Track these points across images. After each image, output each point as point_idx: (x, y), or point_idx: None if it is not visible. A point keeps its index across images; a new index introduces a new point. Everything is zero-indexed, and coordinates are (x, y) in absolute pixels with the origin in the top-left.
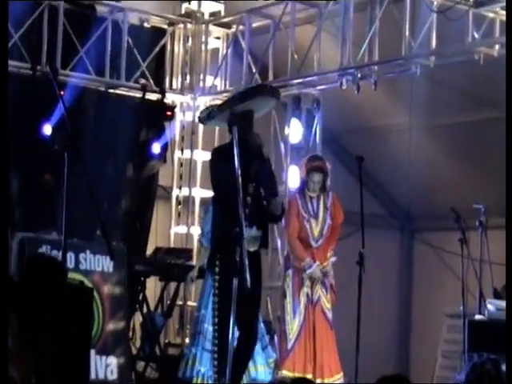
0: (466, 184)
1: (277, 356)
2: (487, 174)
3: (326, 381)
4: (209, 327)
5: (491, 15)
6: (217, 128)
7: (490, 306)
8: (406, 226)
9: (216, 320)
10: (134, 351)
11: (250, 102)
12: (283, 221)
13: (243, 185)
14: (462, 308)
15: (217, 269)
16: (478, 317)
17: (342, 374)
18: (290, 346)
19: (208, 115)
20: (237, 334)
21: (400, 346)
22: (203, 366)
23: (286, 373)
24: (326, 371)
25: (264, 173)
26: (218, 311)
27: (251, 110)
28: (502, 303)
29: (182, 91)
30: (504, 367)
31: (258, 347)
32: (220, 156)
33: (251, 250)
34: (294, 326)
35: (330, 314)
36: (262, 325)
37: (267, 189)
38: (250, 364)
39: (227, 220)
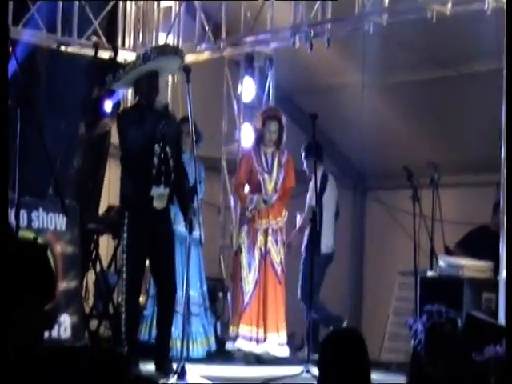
0: (419, 142)
1: (229, 314)
2: (440, 132)
3: (269, 335)
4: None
5: None
6: (169, 84)
7: (441, 263)
8: (359, 185)
9: (124, 279)
10: (88, 309)
11: (153, 63)
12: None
13: (150, 145)
14: (413, 265)
15: (125, 226)
16: (429, 273)
17: (285, 331)
18: (246, 300)
19: (113, 77)
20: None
21: (352, 304)
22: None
23: (243, 327)
24: (271, 326)
25: (171, 132)
26: (127, 270)
27: (155, 70)
28: (454, 259)
29: (134, 49)
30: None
31: (200, 310)
32: (127, 118)
33: (159, 207)
34: (249, 280)
35: (279, 268)
36: (204, 288)
37: (174, 147)
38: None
39: (137, 179)
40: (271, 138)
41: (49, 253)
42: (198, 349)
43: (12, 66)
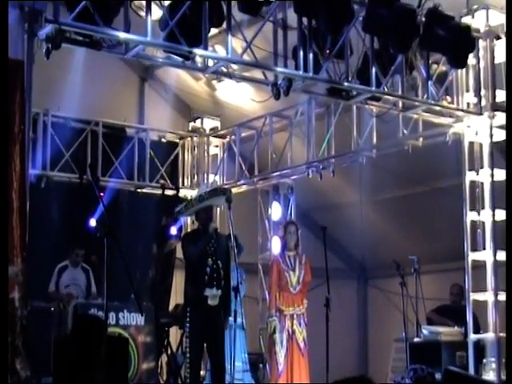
0: (404, 241)
1: (267, 378)
2: (418, 233)
3: None
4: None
5: (415, 116)
6: (218, 211)
7: (424, 331)
8: (361, 276)
9: (188, 358)
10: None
11: (207, 201)
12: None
13: (204, 259)
14: (404, 334)
15: (187, 319)
16: (416, 339)
17: None
18: (280, 368)
19: (178, 212)
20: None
21: (360, 366)
22: None
23: None
24: None
25: (220, 248)
26: (190, 351)
27: (210, 205)
28: (433, 328)
29: (191, 187)
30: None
31: (243, 375)
32: (188, 238)
33: (212, 304)
34: (282, 353)
35: (302, 344)
36: (246, 355)
37: (223, 259)
38: None
39: (195, 284)
40: (292, 239)
41: (132, 343)
42: None
43: (101, 207)
